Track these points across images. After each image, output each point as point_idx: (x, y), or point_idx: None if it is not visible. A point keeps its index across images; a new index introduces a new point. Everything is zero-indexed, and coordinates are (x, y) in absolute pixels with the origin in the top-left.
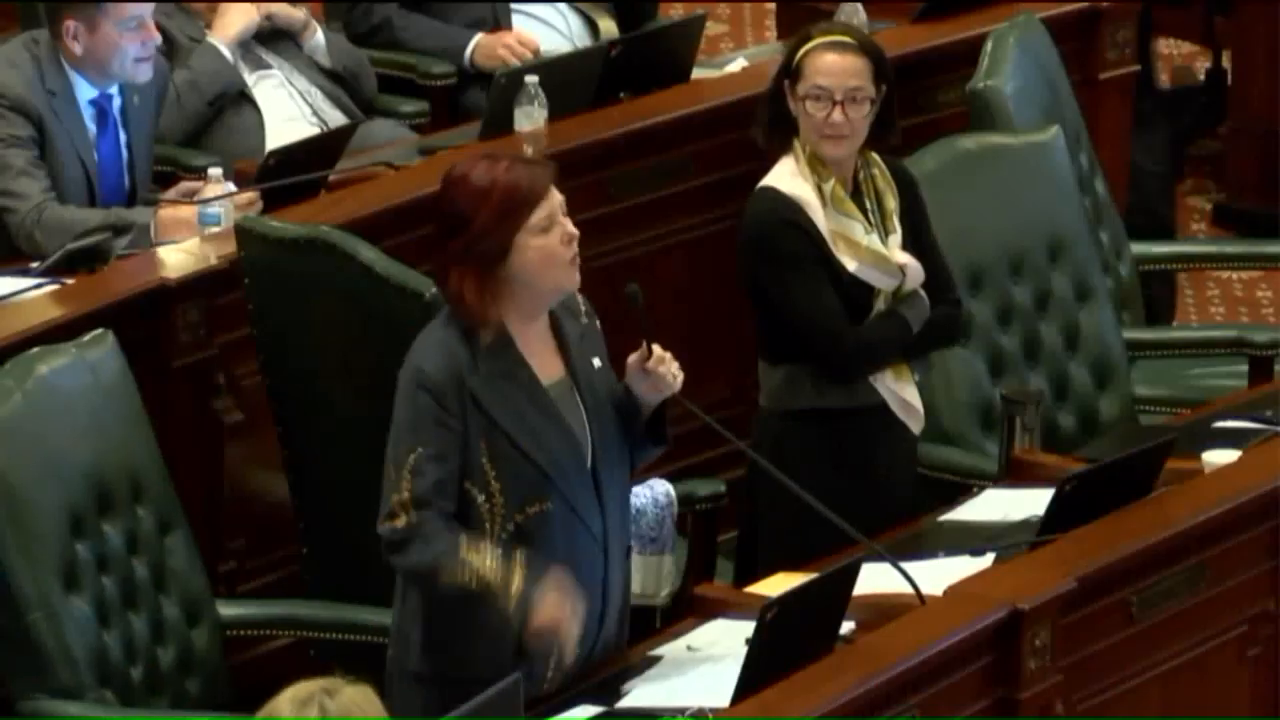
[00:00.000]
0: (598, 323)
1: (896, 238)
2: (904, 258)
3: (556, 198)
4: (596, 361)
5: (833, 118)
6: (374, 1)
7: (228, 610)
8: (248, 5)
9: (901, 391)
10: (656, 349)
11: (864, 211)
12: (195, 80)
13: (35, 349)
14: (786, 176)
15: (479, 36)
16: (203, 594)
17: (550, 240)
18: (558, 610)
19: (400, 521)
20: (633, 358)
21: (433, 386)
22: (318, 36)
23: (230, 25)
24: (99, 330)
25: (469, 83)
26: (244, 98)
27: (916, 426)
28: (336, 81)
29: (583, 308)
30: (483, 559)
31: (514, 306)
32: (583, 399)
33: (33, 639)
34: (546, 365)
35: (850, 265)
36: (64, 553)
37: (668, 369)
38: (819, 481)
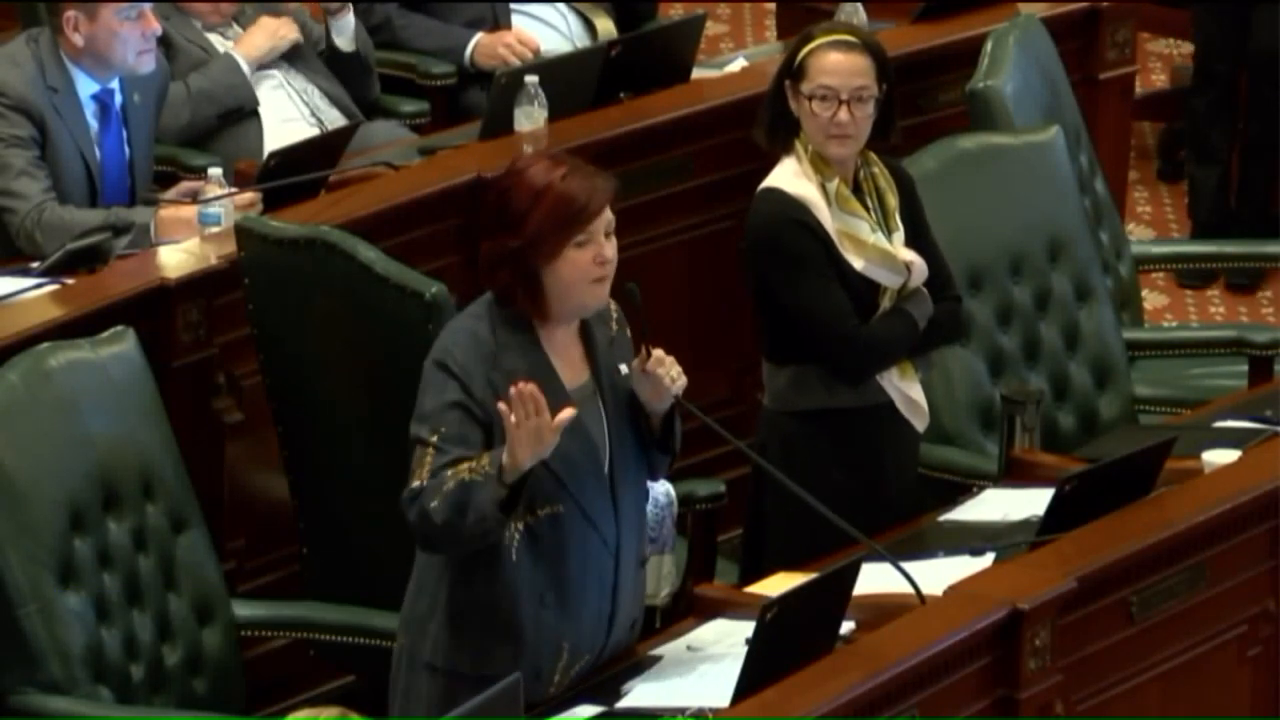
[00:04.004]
0: (628, 330)
1: (900, 235)
2: (909, 255)
3: (605, 216)
4: (623, 368)
5: (838, 117)
6: (374, 1)
7: (241, 611)
8: (282, 30)
9: (908, 390)
10: (656, 352)
11: (866, 210)
12: (211, 91)
13: (46, 344)
14: (790, 177)
15: (479, 36)
16: (217, 593)
17: (582, 255)
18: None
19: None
20: (634, 363)
21: (459, 371)
22: (348, 16)
23: (257, 45)
24: (119, 327)
25: (469, 83)
26: (251, 111)
27: (921, 425)
28: (340, 72)
29: (614, 315)
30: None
31: (542, 309)
32: (605, 405)
33: (25, 633)
34: (572, 369)
35: (857, 264)
36: (61, 547)
37: (667, 371)
38: (827, 481)
